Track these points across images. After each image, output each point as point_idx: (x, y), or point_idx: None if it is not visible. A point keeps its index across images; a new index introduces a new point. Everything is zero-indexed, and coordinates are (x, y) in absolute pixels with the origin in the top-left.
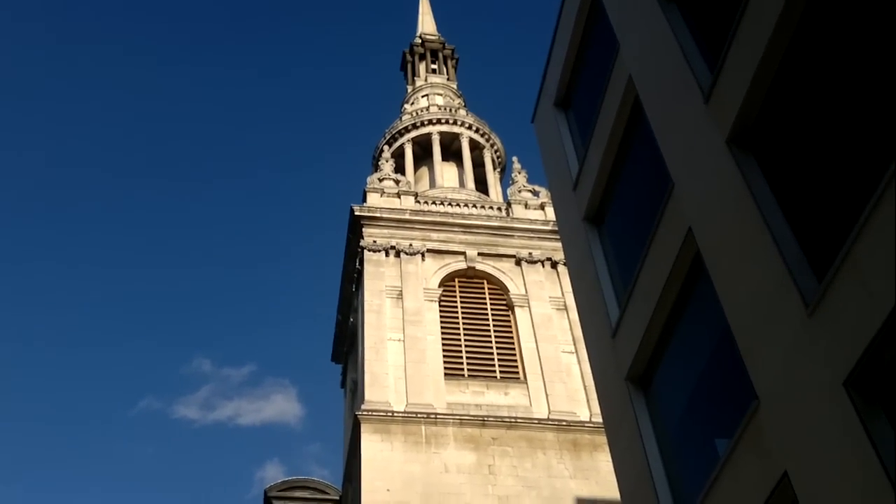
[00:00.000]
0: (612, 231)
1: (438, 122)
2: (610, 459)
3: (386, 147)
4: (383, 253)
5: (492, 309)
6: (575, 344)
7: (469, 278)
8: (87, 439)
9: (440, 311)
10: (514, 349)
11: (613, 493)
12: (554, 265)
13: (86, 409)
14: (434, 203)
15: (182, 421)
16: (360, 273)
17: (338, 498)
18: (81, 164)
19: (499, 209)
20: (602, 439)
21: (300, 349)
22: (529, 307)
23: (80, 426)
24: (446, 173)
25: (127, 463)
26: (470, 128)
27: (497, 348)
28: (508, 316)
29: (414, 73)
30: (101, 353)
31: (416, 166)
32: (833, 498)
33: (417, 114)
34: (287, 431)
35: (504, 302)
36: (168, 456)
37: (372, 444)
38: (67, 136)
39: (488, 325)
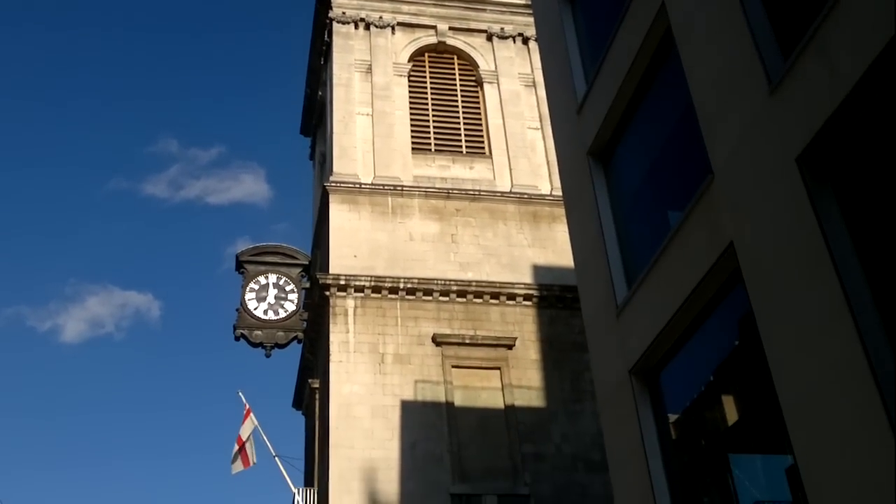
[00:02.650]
0: (585, 6)
1: None
2: (567, 230)
3: None
4: (352, 25)
5: (461, 85)
6: (541, 121)
7: (439, 53)
8: (61, 216)
9: (409, 86)
10: (480, 125)
11: (568, 261)
12: (525, 41)
13: (55, 186)
14: None
15: (152, 199)
16: (329, 46)
17: (307, 263)
18: None
19: None
20: (560, 211)
21: (268, 124)
22: (498, 83)
23: (50, 205)
24: None
25: (102, 242)
26: None
27: (464, 124)
28: (477, 92)
29: None
30: (64, 132)
31: None
32: (773, 268)
33: None
34: (256, 210)
35: (473, 78)
36: (140, 233)
37: (340, 214)
38: None
39: (457, 100)
